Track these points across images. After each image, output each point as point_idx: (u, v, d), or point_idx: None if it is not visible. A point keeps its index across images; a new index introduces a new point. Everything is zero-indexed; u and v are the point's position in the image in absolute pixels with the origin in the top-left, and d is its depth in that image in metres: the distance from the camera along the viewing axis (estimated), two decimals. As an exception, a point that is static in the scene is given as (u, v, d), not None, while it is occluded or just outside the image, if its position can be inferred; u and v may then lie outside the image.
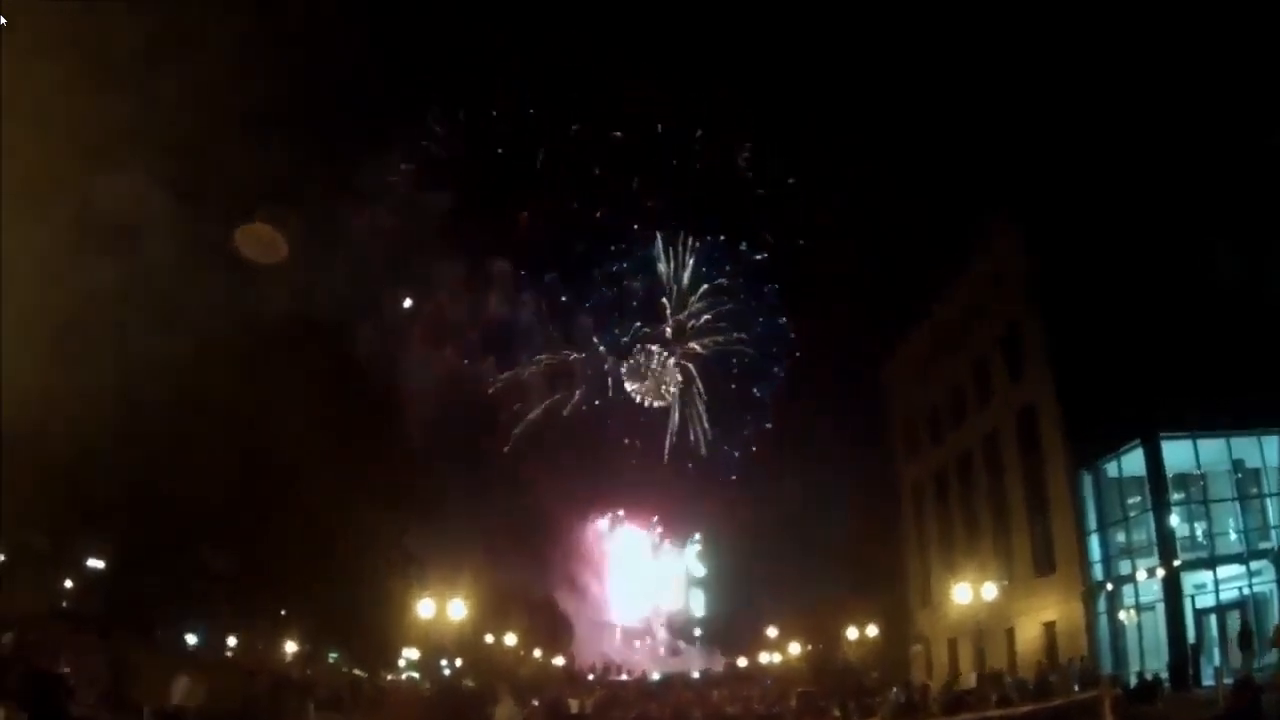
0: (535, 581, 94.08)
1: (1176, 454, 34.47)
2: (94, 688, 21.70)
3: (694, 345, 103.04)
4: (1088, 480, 39.00)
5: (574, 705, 40.34)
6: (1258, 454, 34.31)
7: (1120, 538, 37.80)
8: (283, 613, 50.55)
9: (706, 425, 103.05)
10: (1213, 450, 34.45)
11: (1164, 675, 31.48)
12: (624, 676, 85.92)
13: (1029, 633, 42.38)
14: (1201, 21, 43.03)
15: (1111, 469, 37.71)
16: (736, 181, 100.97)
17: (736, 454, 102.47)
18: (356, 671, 58.74)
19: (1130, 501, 37.24)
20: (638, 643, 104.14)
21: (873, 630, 61.04)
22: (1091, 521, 38.83)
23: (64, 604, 42.92)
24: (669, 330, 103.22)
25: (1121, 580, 36.75)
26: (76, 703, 18.15)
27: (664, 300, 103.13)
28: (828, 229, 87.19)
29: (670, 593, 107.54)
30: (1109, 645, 37.15)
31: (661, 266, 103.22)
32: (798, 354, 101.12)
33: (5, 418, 28.22)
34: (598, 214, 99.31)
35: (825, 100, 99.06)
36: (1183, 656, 32.06)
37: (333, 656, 59.28)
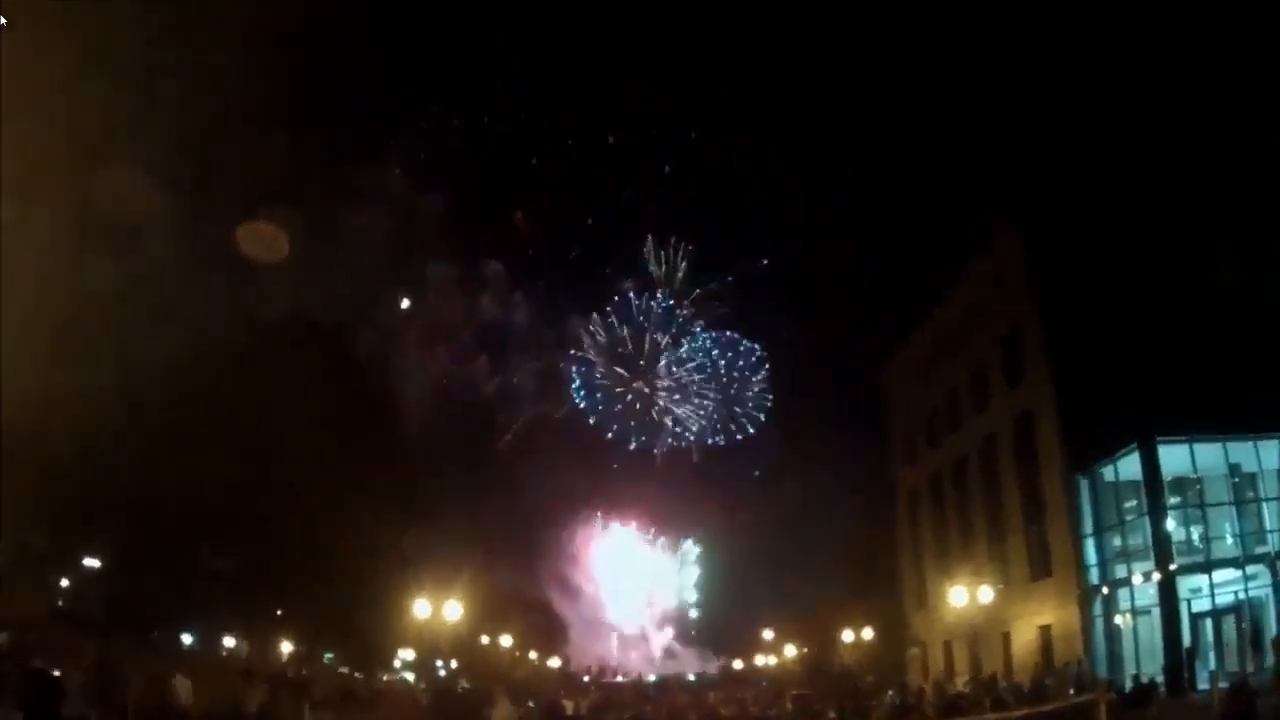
0: (531, 583, 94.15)
1: (1173, 458, 34.46)
2: (89, 688, 21.65)
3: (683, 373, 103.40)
4: (1084, 484, 38.98)
5: (569, 707, 40.34)
6: (1254, 458, 34.32)
7: (1116, 542, 37.81)
8: (279, 613, 50.55)
9: (697, 430, 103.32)
10: (1209, 454, 34.42)
11: (1159, 679, 31.50)
12: (620, 678, 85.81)
13: (1025, 636, 42.40)
14: (1201, 22, 43.07)
15: (1108, 473, 37.72)
16: (736, 183, 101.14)
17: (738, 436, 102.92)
18: (354, 672, 58.79)
19: (1126, 505, 37.26)
20: (633, 644, 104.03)
21: (868, 633, 61.06)
22: (1087, 525, 38.82)
23: (60, 603, 42.87)
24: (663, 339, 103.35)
25: (1117, 584, 36.76)
26: (70, 703, 18.15)
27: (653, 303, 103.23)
28: (828, 231, 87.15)
29: (666, 594, 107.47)
30: (1104, 649, 37.13)
31: (654, 269, 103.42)
32: (795, 356, 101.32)
33: (4, 417, 28.21)
34: (589, 220, 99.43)
35: (825, 102, 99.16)
36: (1178, 661, 32.07)
37: (328, 657, 59.25)
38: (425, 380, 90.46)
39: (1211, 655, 33.96)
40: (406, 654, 64.02)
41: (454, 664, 67.43)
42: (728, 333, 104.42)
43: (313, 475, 45.34)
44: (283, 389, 43.13)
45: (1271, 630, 31.28)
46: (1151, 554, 34.08)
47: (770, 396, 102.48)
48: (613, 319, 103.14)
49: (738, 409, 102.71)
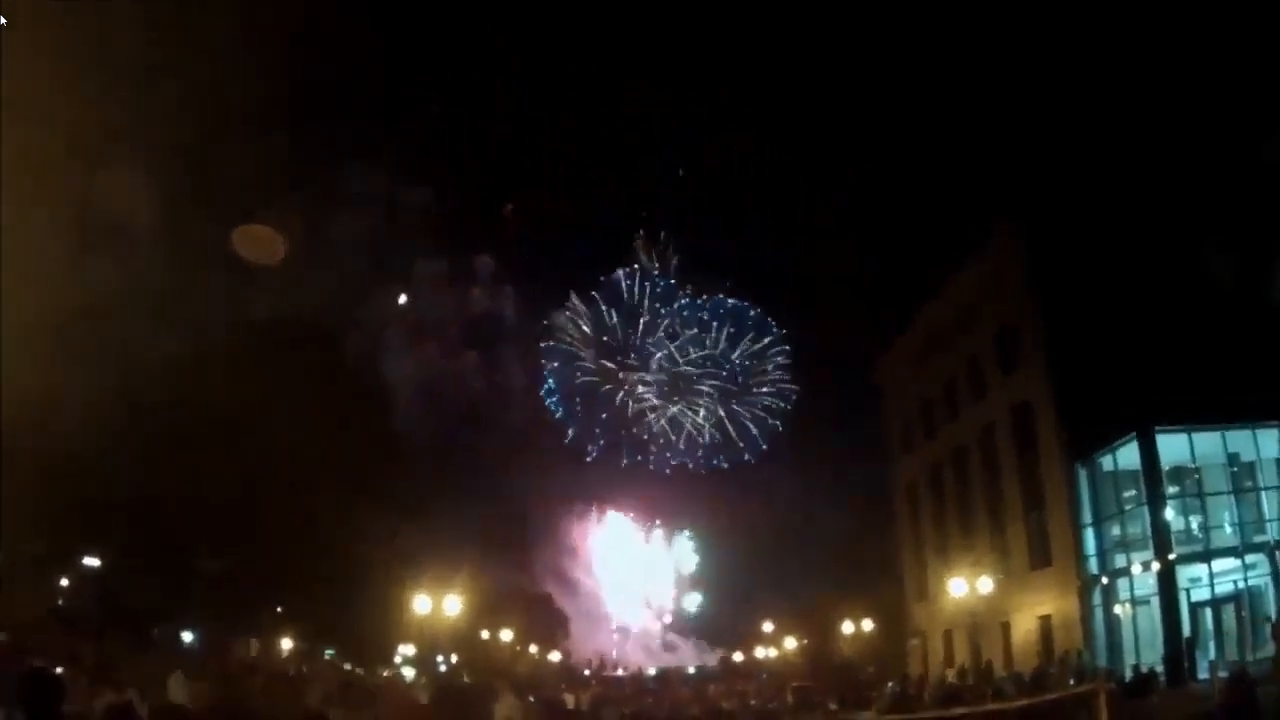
0: (530, 577, 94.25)
1: (1172, 447, 34.50)
2: (88, 687, 21.60)
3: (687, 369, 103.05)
4: (1083, 474, 39.02)
5: (570, 701, 40.35)
6: (1253, 447, 34.32)
7: (1115, 531, 37.85)
8: (279, 610, 50.54)
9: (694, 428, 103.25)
10: (1208, 444, 34.46)
11: (1159, 669, 31.56)
12: (620, 672, 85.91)
13: (1025, 626, 42.45)
14: (1199, 23, 43.08)
15: (1107, 463, 37.75)
16: (732, 179, 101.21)
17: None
18: (355, 668, 58.78)
19: (1125, 495, 37.29)
20: (633, 637, 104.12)
21: (869, 625, 61.13)
22: (1087, 515, 38.86)
23: (60, 602, 42.84)
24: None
25: (1117, 574, 36.80)
26: (70, 702, 18.12)
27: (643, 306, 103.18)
28: (824, 225, 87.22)
29: (665, 587, 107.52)
30: (1104, 639, 37.19)
31: (645, 262, 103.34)
32: (793, 349, 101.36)
33: (4, 418, 28.17)
34: (582, 216, 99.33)
35: (824, 99, 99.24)
36: (1178, 650, 32.12)
37: (329, 653, 59.22)
38: (419, 377, 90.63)
39: (1211, 644, 33.97)
40: (407, 649, 64.04)
41: (454, 659, 67.54)
42: (731, 301, 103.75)
43: (310, 473, 45.35)
44: (280, 388, 43.11)
45: (1270, 617, 31.27)
46: (1151, 543, 34.13)
47: (791, 385, 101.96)
48: (601, 306, 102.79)
49: (746, 405, 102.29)
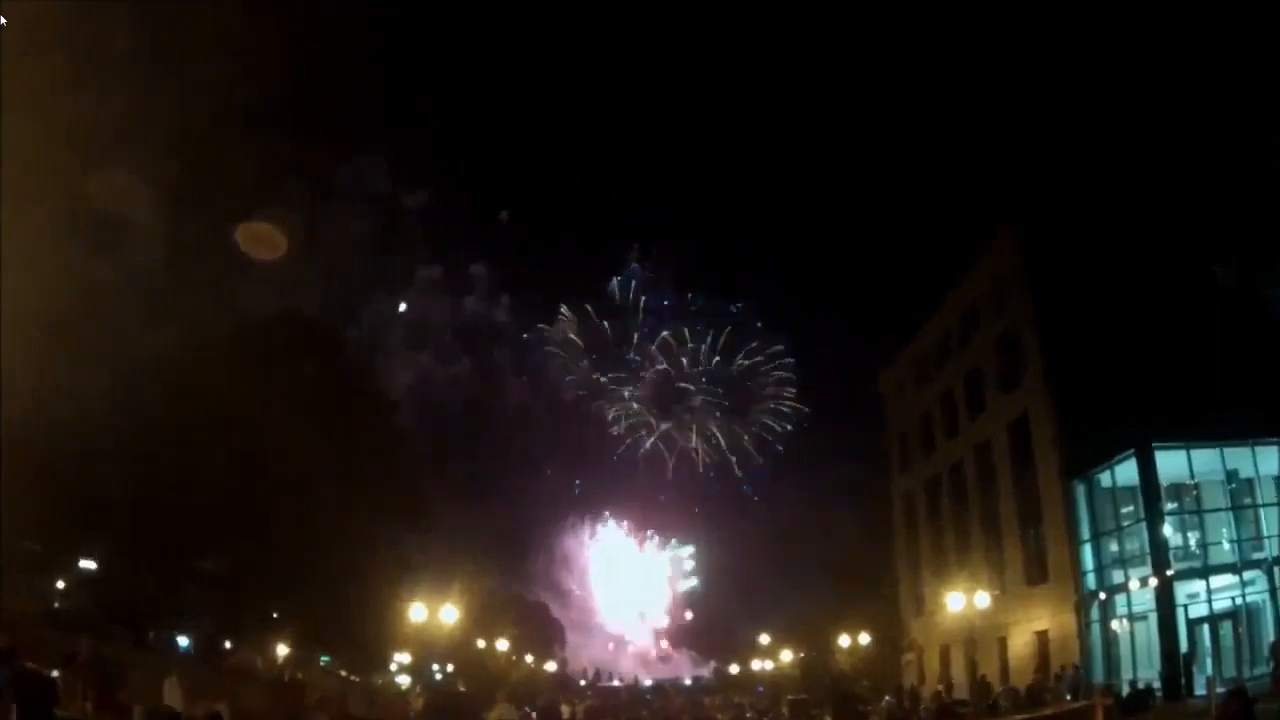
0: (527, 587, 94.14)
1: (1170, 464, 34.43)
2: (83, 689, 21.55)
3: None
4: (1081, 490, 38.98)
5: (566, 711, 40.29)
6: (1251, 464, 34.24)
7: (1113, 547, 37.78)
8: (275, 615, 50.37)
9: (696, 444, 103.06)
10: (1206, 460, 34.40)
11: (1156, 685, 31.48)
12: (616, 682, 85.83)
13: (1021, 641, 42.37)
14: (1201, 33, 43.20)
15: (1105, 479, 37.69)
16: (732, 194, 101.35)
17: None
18: (350, 675, 58.64)
19: (1123, 511, 37.22)
20: (629, 648, 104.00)
21: (865, 638, 60.99)
22: (1085, 531, 38.81)
23: (55, 604, 42.69)
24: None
25: (1114, 590, 36.73)
26: (65, 705, 18.07)
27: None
28: (828, 241, 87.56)
29: (661, 599, 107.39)
30: (1101, 655, 37.12)
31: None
32: (794, 363, 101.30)
33: (1, 418, 28.13)
34: (586, 225, 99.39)
35: (828, 114, 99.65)
36: (1175, 666, 32.03)
37: (324, 660, 59.06)
38: (417, 383, 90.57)
39: (1208, 661, 33.88)
40: (403, 657, 63.91)
41: (450, 667, 67.34)
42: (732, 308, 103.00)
43: (308, 478, 45.26)
44: (278, 391, 43.08)
45: (1269, 635, 31.21)
46: (1148, 559, 34.05)
47: (789, 405, 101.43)
48: (594, 318, 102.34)
49: (744, 426, 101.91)
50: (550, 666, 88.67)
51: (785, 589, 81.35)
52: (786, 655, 76.80)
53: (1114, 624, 37.27)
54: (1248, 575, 33.08)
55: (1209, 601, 33.45)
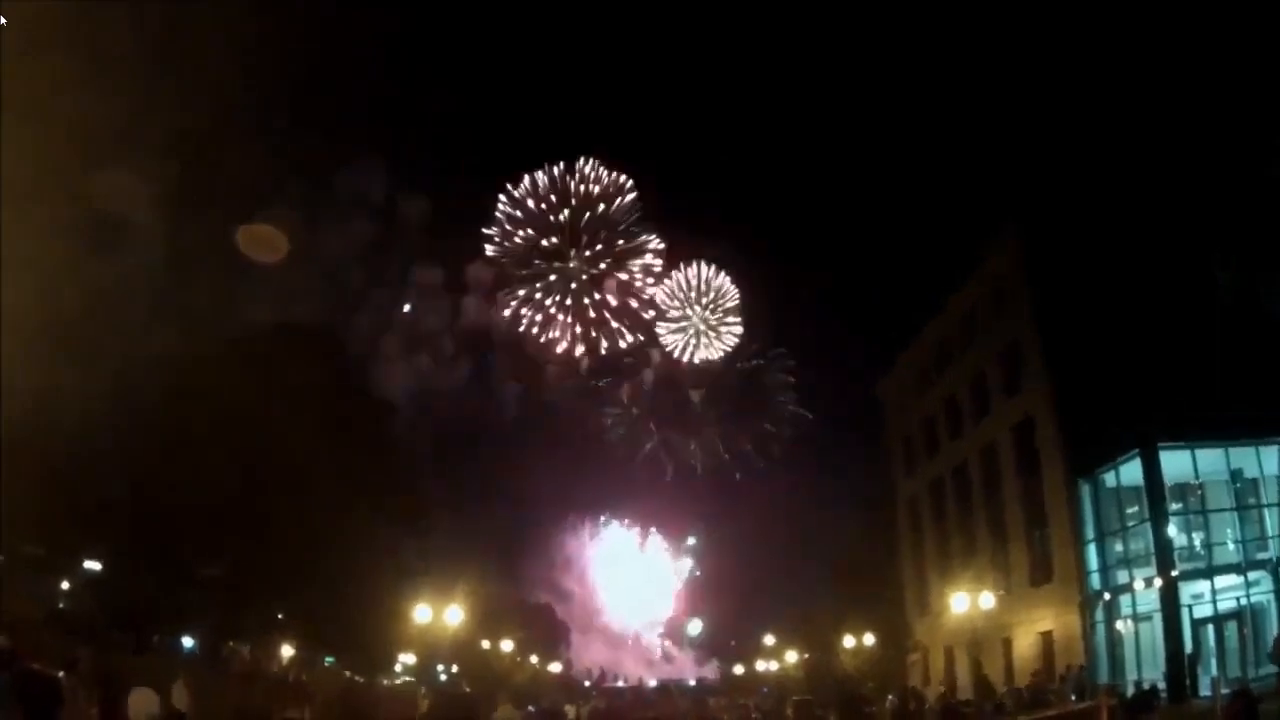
0: (531, 587, 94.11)
1: (1174, 464, 34.39)
2: (87, 691, 21.57)
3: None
4: (1085, 490, 38.95)
5: (570, 712, 40.34)
6: (1255, 464, 34.23)
7: (1118, 547, 37.74)
8: (279, 617, 50.42)
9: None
10: (1211, 460, 34.36)
11: (1161, 685, 31.41)
12: (620, 683, 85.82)
13: (1026, 642, 42.35)
14: (1201, 37, 43.20)
15: (1109, 479, 37.66)
16: (735, 192, 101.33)
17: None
18: (354, 676, 58.67)
19: (1128, 511, 37.19)
20: (633, 649, 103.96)
21: (870, 639, 60.92)
22: (1089, 531, 38.77)
23: (60, 605, 42.76)
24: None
25: (1119, 590, 36.68)
26: (69, 707, 18.07)
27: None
28: (830, 243, 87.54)
29: (665, 600, 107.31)
30: (1106, 655, 37.09)
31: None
32: (796, 365, 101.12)
33: (5, 420, 28.17)
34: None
35: (830, 117, 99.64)
36: (1180, 667, 31.99)
37: (329, 661, 59.09)
38: (422, 387, 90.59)
39: (1213, 661, 33.85)
40: (407, 658, 63.90)
41: (454, 668, 67.35)
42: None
43: (311, 479, 45.27)
44: (282, 393, 43.14)
45: (1273, 635, 31.14)
46: (1153, 560, 34.02)
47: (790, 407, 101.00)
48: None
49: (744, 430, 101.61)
50: (555, 667, 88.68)
51: (790, 589, 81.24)
52: (791, 656, 76.71)
53: (1118, 624, 37.23)
54: (1252, 575, 33.05)
55: (1214, 602, 33.43)
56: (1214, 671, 32.58)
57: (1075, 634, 38.31)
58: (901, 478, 61.33)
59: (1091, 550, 38.69)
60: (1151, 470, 34.29)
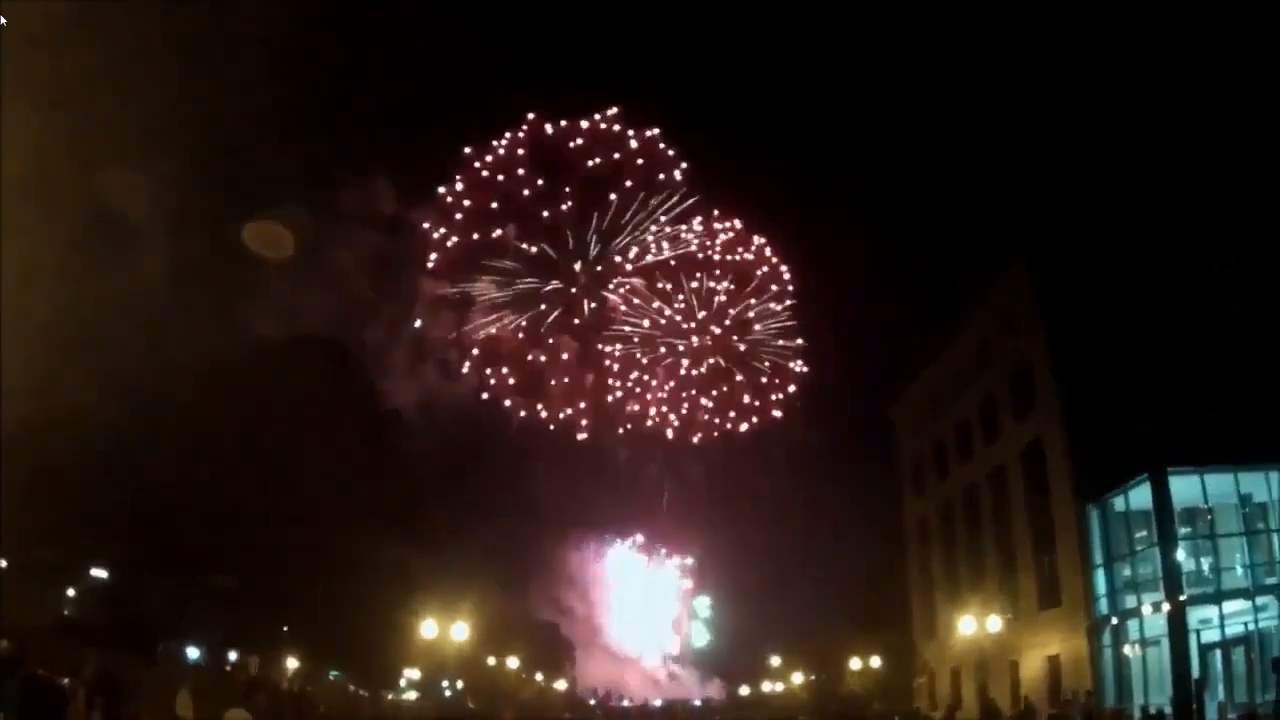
0: (538, 605, 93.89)
1: (1184, 488, 34.18)
2: (92, 699, 21.65)
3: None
4: (1094, 515, 38.82)
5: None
6: (1265, 489, 34.03)
7: (1126, 572, 37.56)
8: (285, 629, 50.48)
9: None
10: (1220, 485, 34.15)
11: (1168, 710, 31.24)
12: (625, 702, 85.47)
13: (1033, 665, 42.14)
14: (1212, 57, 43.28)
15: (1118, 503, 37.51)
16: (746, 213, 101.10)
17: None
18: (359, 691, 58.67)
19: (1137, 536, 36.99)
20: (639, 668, 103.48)
21: (876, 661, 60.76)
22: (1097, 556, 38.63)
23: (65, 613, 42.92)
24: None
25: (1127, 615, 36.51)
26: (73, 713, 18.16)
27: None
28: (841, 267, 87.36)
29: (672, 619, 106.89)
30: (1113, 679, 36.86)
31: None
32: (807, 389, 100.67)
33: (12, 429, 28.35)
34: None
35: (840, 138, 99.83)
36: (1187, 692, 31.74)
37: (333, 675, 59.11)
38: (430, 403, 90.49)
39: (1220, 686, 33.62)
40: (412, 673, 63.91)
41: (459, 684, 67.29)
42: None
43: (319, 493, 45.46)
44: (292, 406, 43.36)
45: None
46: (1161, 584, 33.82)
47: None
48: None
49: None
50: (560, 685, 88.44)
51: (797, 610, 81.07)
52: (797, 677, 76.53)
53: (1126, 649, 37.01)
54: (1260, 600, 32.81)
55: (1221, 627, 33.19)
56: (1221, 697, 32.38)
57: (1083, 658, 38.11)
58: (911, 500, 61.18)
59: (1100, 575, 38.52)
60: (1160, 495, 34.09)
